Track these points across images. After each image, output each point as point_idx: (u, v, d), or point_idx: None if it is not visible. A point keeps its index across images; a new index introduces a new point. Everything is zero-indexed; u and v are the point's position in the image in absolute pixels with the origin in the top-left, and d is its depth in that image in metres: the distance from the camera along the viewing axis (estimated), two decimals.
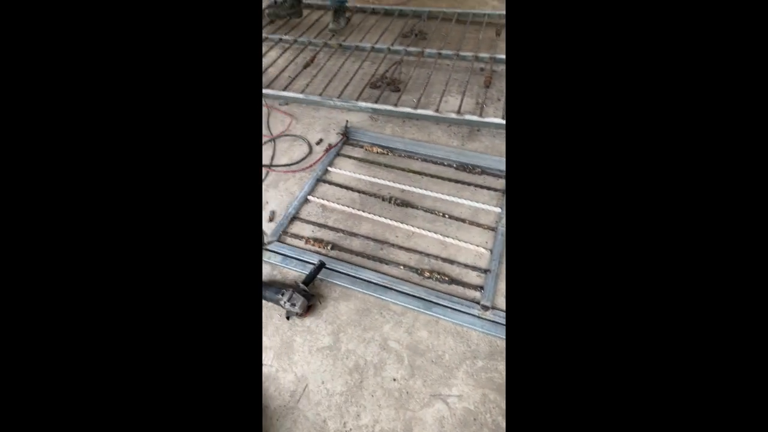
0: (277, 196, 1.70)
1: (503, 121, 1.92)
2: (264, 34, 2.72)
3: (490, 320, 1.23)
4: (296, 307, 1.23)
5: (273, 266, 1.44)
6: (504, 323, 1.22)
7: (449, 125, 1.99)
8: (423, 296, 1.30)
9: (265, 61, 2.50)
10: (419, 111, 2.02)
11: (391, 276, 1.37)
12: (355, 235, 1.52)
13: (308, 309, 1.28)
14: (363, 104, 2.08)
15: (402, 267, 1.40)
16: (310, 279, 1.31)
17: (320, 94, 2.17)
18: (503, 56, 2.35)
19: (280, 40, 2.66)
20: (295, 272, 1.41)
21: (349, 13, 2.91)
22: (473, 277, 1.37)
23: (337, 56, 2.53)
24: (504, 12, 2.82)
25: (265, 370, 1.19)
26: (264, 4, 3.08)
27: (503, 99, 2.08)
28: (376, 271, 1.39)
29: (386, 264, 1.42)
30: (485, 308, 1.25)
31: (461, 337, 1.22)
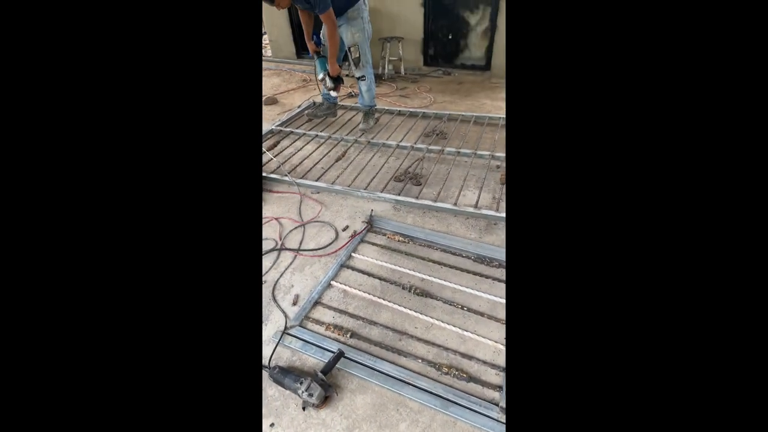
0: (302, 280, 1.79)
1: None
2: (302, 131, 3.09)
3: None
4: (313, 398, 1.24)
5: (293, 352, 1.47)
6: None
7: (467, 218, 2.12)
8: (441, 394, 1.28)
9: (301, 153, 2.80)
10: (439, 204, 2.17)
11: (409, 369, 1.37)
12: (374, 323, 1.55)
13: (325, 400, 1.28)
14: (387, 195, 2.26)
15: (420, 360, 1.40)
16: (328, 368, 1.32)
17: (349, 185, 2.38)
18: None
19: (316, 135, 3.01)
20: (314, 359, 1.43)
21: (378, 114, 3.29)
22: (492, 376, 1.35)
23: (366, 152, 2.81)
24: None
25: None
26: (304, 106, 3.54)
27: None
28: (394, 363, 1.39)
29: (404, 356, 1.42)
30: (504, 411, 1.21)
31: None
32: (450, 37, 4.20)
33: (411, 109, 3.39)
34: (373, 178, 2.44)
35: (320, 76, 2.82)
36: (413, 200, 2.22)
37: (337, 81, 2.79)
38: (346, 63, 3.12)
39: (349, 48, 2.77)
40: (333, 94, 2.90)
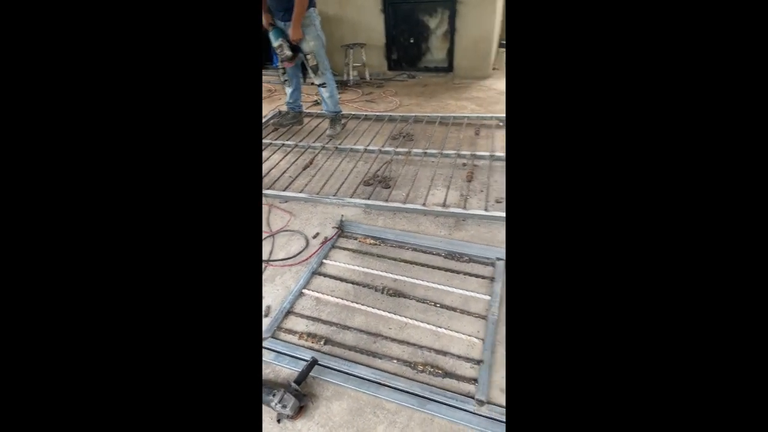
0: (273, 291, 1.76)
1: (486, 212, 2.07)
2: (268, 140, 3.05)
3: (485, 416, 1.20)
4: (287, 409, 1.21)
5: (266, 364, 1.43)
6: (501, 420, 1.19)
7: (436, 216, 2.14)
8: (417, 392, 1.28)
9: (268, 163, 2.76)
10: (408, 205, 2.18)
11: (385, 371, 1.36)
12: (348, 328, 1.54)
13: (300, 410, 1.25)
14: (357, 200, 2.26)
15: (395, 361, 1.40)
16: (302, 377, 1.30)
17: (318, 193, 2.36)
18: (483, 153, 2.61)
19: (283, 144, 2.98)
20: (288, 370, 1.40)
21: (344, 119, 3.29)
22: (467, 369, 1.36)
23: (334, 157, 2.80)
24: (481, 114, 3.20)
25: None
26: (269, 116, 3.50)
27: (485, 191, 2.27)
28: (369, 366, 1.38)
29: (380, 358, 1.41)
30: (480, 403, 1.22)
31: None
32: (412, 41, 4.26)
33: (377, 113, 3.41)
34: (342, 183, 2.43)
35: (277, 42, 2.62)
36: (383, 203, 2.22)
37: (296, 50, 2.69)
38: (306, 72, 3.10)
39: (305, 56, 2.76)
40: (285, 65, 2.80)
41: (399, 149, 2.75)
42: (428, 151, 2.69)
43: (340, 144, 2.92)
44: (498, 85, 3.98)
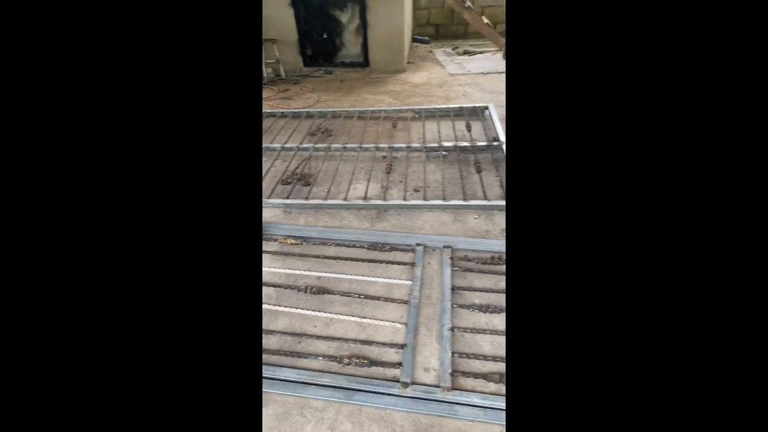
0: None
1: (405, 202, 2.13)
2: None
3: (410, 397, 1.24)
4: None
5: None
6: (425, 398, 1.24)
7: (359, 210, 2.15)
8: (344, 385, 1.28)
9: None
10: (329, 201, 2.17)
11: (311, 370, 1.34)
12: (271, 332, 1.49)
13: None
14: (275, 200, 2.18)
15: (321, 358, 1.38)
16: None
17: None
18: (401, 144, 2.68)
19: None
20: None
21: None
22: (392, 355, 1.39)
23: None
24: (398, 107, 3.28)
25: None
26: None
27: (404, 181, 2.33)
28: (294, 367, 1.35)
29: (305, 358, 1.39)
30: (405, 385, 1.26)
31: (385, 422, 1.20)
32: (325, 36, 4.22)
33: (294, 110, 3.32)
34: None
35: None
36: (303, 201, 2.18)
37: None
38: None
39: None
40: None
41: (318, 145, 2.71)
42: (348, 145, 2.69)
43: None
44: (413, 78, 4.11)
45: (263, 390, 1.28)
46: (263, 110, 3.32)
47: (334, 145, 2.70)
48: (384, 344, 1.42)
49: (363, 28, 4.07)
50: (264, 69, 4.11)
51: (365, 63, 4.30)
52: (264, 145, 2.75)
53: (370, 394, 1.25)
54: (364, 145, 2.68)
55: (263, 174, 2.43)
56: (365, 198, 2.18)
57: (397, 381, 1.29)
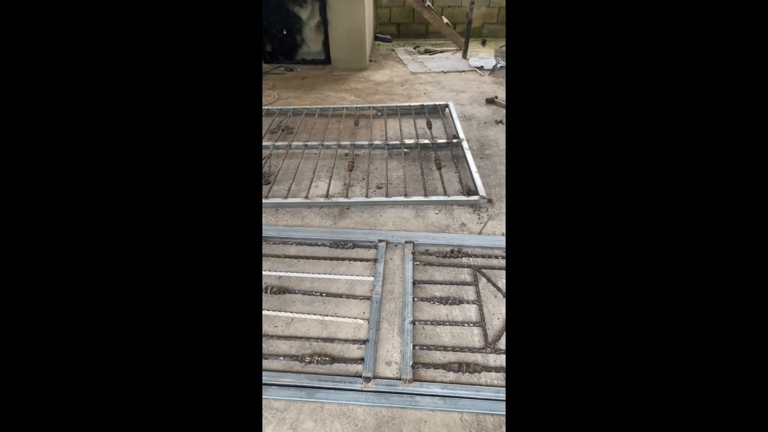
0: None
1: (368, 199, 2.14)
2: None
3: (372, 391, 1.25)
4: None
5: None
6: (387, 391, 1.25)
7: (321, 208, 2.13)
8: (305, 383, 1.27)
9: None
10: (290, 200, 2.13)
11: (272, 370, 1.32)
12: None
13: None
14: None
15: (282, 358, 1.36)
16: None
17: None
18: (363, 142, 2.68)
19: None
20: None
21: None
22: (354, 351, 1.39)
23: None
24: (360, 105, 3.28)
25: None
26: None
27: (366, 178, 2.34)
28: None
29: (266, 359, 1.36)
30: (367, 380, 1.27)
31: (347, 418, 1.20)
32: (285, 32, 4.13)
33: None
34: None
35: None
36: (263, 200, 2.13)
37: None
38: None
39: None
40: None
41: (278, 143, 2.66)
42: (309, 143, 2.66)
43: None
44: (375, 76, 4.12)
45: None
46: None
47: (295, 143, 2.66)
48: (346, 341, 1.42)
49: (324, 25, 4.03)
50: None
51: (327, 60, 4.25)
52: None
53: (332, 391, 1.25)
54: (326, 143, 2.66)
55: None
56: (327, 196, 2.16)
57: (360, 376, 1.29)
